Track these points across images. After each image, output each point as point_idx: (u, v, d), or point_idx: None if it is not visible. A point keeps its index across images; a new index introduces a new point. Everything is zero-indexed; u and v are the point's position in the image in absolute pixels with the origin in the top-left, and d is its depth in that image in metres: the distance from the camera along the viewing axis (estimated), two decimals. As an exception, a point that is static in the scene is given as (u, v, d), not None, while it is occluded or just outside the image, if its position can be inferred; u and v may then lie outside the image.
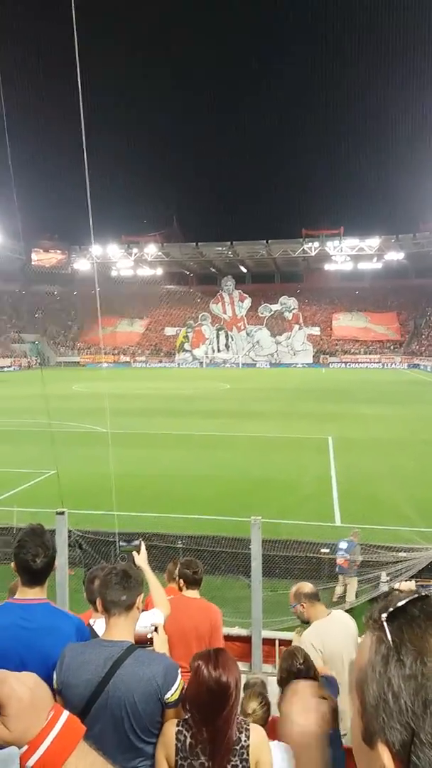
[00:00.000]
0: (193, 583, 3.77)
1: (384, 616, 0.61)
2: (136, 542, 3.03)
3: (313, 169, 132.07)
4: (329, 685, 2.71)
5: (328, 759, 2.23)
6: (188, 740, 2.00)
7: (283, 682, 2.68)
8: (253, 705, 2.85)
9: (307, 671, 2.69)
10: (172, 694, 2.12)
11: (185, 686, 2.21)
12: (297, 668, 2.68)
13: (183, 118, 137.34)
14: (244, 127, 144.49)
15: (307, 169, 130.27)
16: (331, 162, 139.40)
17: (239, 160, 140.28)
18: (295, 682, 2.55)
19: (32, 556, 2.21)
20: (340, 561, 8.03)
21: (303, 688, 2.49)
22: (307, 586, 3.66)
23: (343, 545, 8.11)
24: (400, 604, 0.62)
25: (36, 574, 2.25)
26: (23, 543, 2.24)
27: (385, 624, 0.61)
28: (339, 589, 8.05)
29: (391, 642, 0.59)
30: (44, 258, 77.20)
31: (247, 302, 72.82)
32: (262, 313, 71.57)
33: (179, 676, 2.19)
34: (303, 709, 2.36)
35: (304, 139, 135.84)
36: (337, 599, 7.84)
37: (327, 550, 8.44)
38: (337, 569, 8.11)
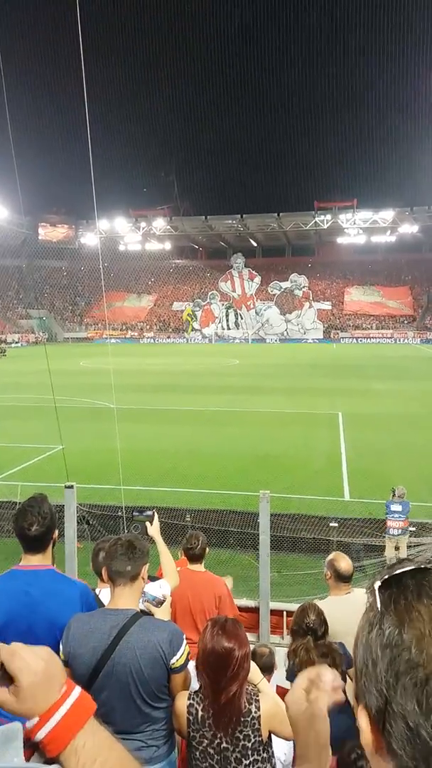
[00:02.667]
0: (192, 558, 3.79)
1: (378, 583, 0.62)
2: (149, 512, 3.02)
3: (325, 139, 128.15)
4: (343, 651, 2.70)
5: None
6: (199, 713, 2.03)
7: (295, 635, 2.71)
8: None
9: (319, 626, 2.69)
10: (177, 660, 2.15)
11: (191, 653, 2.22)
12: (308, 624, 2.69)
13: (189, 85, 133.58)
14: (253, 94, 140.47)
15: (320, 139, 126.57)
16: (345, 132, 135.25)
17: (249, 131, 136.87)
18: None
19: (28, 524, 2.28)
20: (398, 524, 7.62)
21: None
22: (344, 563, 3.47)
23: (396, 507, 7.73)
24: (395, 572, 0.62)
25: (32, 541, 2.31)
26: (21, 511, 2.33)
27: (376, 591, 0.61)
28: (392, 552, 7.58)
29: (378, 610, 0.60)
30: (51, 232, 76.59)
31: (257, 280, 71.99)
32: (272, 291, 70.78)
33: (184, 642, 2.21)
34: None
35: (316, 107, 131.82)
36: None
37: (336, 525, 8.45)
38: (396, 532, 7.65)
